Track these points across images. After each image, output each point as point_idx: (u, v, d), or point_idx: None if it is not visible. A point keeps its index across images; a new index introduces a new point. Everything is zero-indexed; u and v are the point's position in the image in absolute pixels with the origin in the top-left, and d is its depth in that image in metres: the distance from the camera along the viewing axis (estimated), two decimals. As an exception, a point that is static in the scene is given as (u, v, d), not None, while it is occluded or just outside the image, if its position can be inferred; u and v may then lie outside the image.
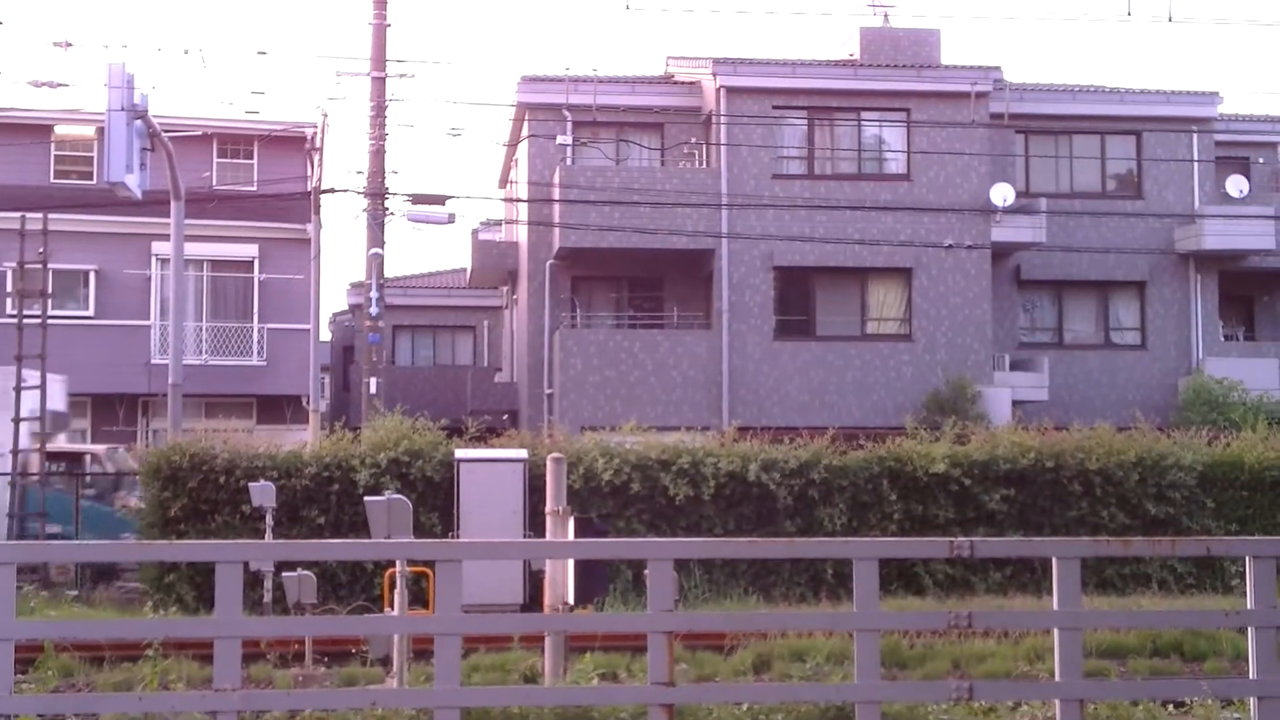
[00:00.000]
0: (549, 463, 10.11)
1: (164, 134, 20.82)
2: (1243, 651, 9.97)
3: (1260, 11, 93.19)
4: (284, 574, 11.18)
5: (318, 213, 25.85)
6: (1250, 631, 7.16)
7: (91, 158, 30.37)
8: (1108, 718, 7.83)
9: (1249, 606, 7.12)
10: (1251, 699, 7.14)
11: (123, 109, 19.20)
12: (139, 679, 8.09)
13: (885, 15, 30.57)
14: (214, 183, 30.79)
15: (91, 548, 8.15)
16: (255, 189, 31.08)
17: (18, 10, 64.60)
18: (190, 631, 7.63)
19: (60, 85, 24.37)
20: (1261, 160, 31.81)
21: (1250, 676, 7.16)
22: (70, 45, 23.71)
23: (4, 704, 6.82)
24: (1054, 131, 29.56)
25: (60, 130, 31.27)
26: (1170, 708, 8.36)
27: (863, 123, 28.36)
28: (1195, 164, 29.47)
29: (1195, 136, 29.55)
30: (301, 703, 7.46)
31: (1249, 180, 30.41)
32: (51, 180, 30.68)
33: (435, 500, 16.59)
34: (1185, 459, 17.94)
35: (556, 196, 27.24)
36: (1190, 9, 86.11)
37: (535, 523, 15.53)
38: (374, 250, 25.91)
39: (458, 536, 15.39)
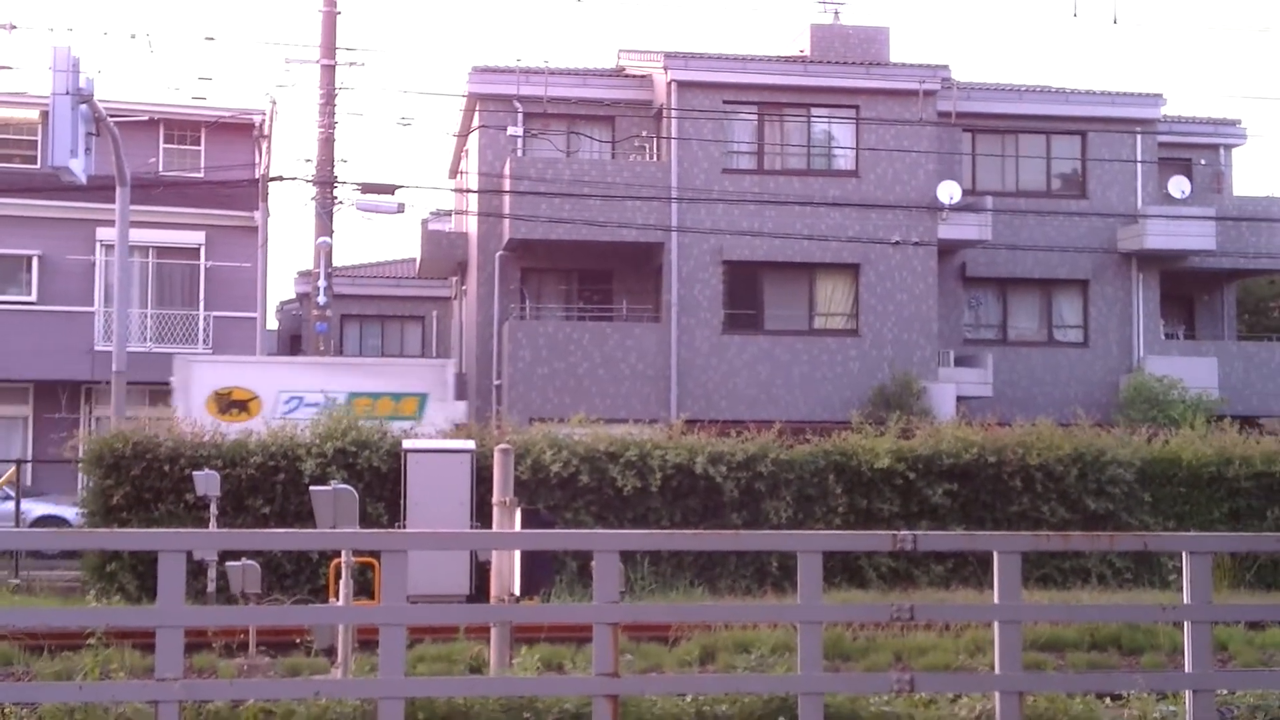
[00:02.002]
0: (496, 454, 10.11)
1: (110, 119, 20.58)
2: (1179, 645, 10.14)
3: (1203, 15, 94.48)
4: (228, 563, 11.11)
5: (265, 200, 25.67)
6: (1186, 626, 7.29)
7: (35, 141, 29.94)
8: (1046, 710, 7.94)
9: (1185, 601, 7.26)
10: (1187, 692, 7.28)
11: (68, 93, 18.95)
12: (80, 668, 8.03)
13: (836, 13, 30.77)
14: (160, 169, 30.44)
15: (32, 536, 8.07)
16: (202, 176, 30.77)
17: (-41, -10, 63.49)
18: (132, 621, 7.59)
19: (4, 68, 24.11)
20: (1203, 162, 32.27)
21: (1186, 670, 7.30)
22: (14, 27, 23.40)
23: (-58, 693, 6.76)
24: (1000, 130, 29.84)
25: (3, 113, 30.81)
26: (1108, 700, 8.49)
27: (812, 119, 28.51)
28: (1138, 165, 29.87)
29: (1139, 138, 29.94)
30: (244, 692, 7.44)
31: (1191, 181, 30.85)
32: (-6, 163, 30.24)
33: (382, 491, 16.53)
34: (1124, 455, 18.19)
35: (507, 187, 27.18)
36: (1135, 12, 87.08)
37: (483, 513, 15.51)
38: (322, 239, 25.77)
39: (404, 527, 15.35)
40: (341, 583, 9.17)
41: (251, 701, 7.42)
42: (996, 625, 7.44)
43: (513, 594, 9.24)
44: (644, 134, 28.59)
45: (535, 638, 10.91)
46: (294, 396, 20.13)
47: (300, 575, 15.97)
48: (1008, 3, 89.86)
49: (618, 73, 29.96)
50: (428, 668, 9.88)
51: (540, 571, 9.65)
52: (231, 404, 19.59)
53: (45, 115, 22.51)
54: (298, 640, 11.51)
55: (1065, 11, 58.69)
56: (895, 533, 7.61)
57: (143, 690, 7.01)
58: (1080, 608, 8.50)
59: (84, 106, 19.48)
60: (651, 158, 28.29)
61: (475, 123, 29.26)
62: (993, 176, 29.83)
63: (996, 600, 7.41)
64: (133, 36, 35.66)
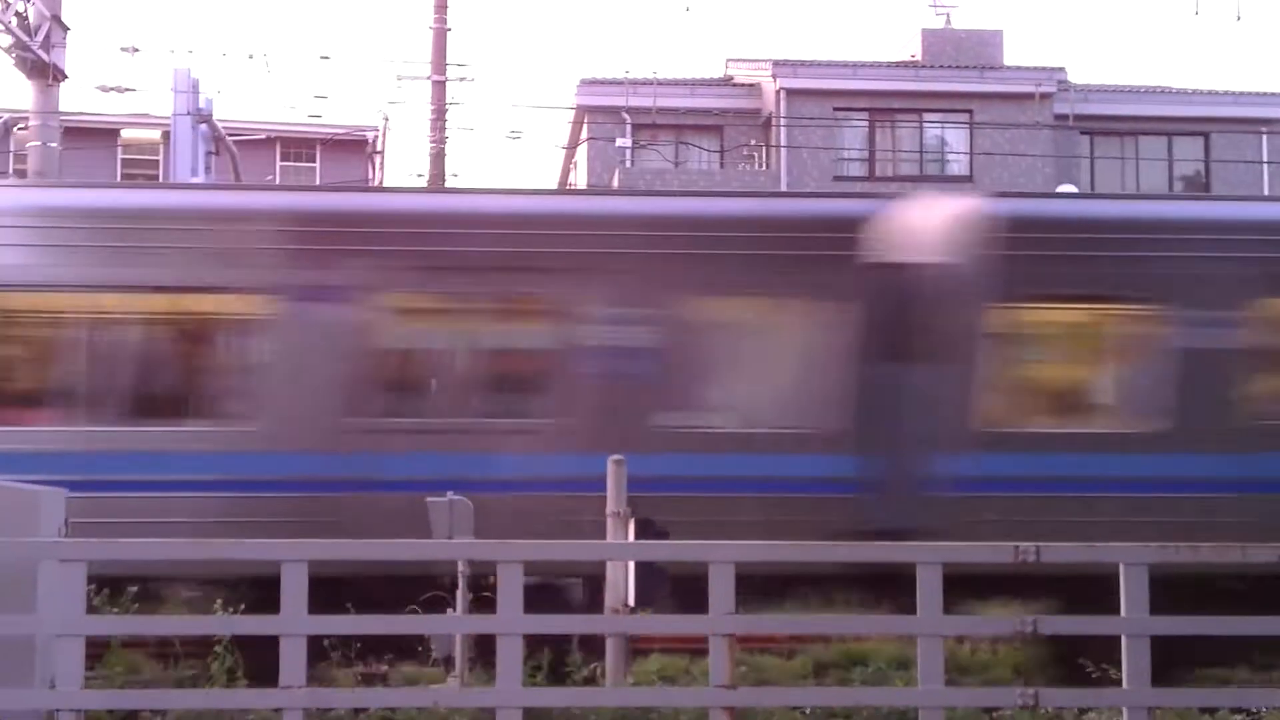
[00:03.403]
0: (609, 465, 10.08)
1: (228, 138, 21.10)
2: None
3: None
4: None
5: (379, 215, 26.01)
6: (1326, 640, 7.04)
7: (158, 161, 30.74)
8: (1176, 725, 7.72)
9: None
10: (1327, 709, 7.02)
11: (188, 113, 19.48)
12: (207, 676, 8.19)
13: (947, 16, 30.41)
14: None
15: (159, 546, 8.24)
16: (318, 192, 31.32)
17: (86, 16, 65.68)
18: (256, 629, 7.70)
19: (127, 90, 24.76)
20: (1332, 161, 31.24)
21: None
22: (137, 50, 24.04)
23: (75, 699, 6.92)
24: (1119, 133, 29.18)
25: (127, 134, 31.68)
26: (1242, 716, 8.21)
27: (925, 124, 28.19)
28: (1264, 165, 29.00)
29: (1264, 138, 29.08)
30: (366, 701, 7.52)
31: (1320, 182, 29.88)
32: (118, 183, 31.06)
33: (495, 501, 16.59)
34: None
35: (616, 199, 27.24)
36: (1259, 8, 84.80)
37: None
38: (435, 252, 25.95)
39: (518, 537, 15.39)
40: (458, 593, 9.22)
41: (372, 709, 7.50)
42: (1125, 639, 7.24)
43: (627, 605, 9.21)
44: (753, 143, 28.49)
45: (651, 649, 10.86)
46: None
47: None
48: (1126, 2, 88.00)
49: (726, 82, 29.90)
50: (543, 678, 9.90)
51: (654, 583, 9.60)
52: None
53: (167, 135, 23.13)
54: (400, 651, 11.56)
55: (1186, 9, 57.37)
56: (1017, 544, 7.46)
57: (268, 698, 7.11)
58: (1210, 620, 8.22)
59: (204, 126, 20.00)
60: (761, 167, 28.18)
61: (584, 135, 29.41)
62: (1112, 180, 29.13)
63: (1124, 614, 7.22)
64: (250, 57, 36.53)
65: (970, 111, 27.83)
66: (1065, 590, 9.47)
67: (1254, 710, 8.11)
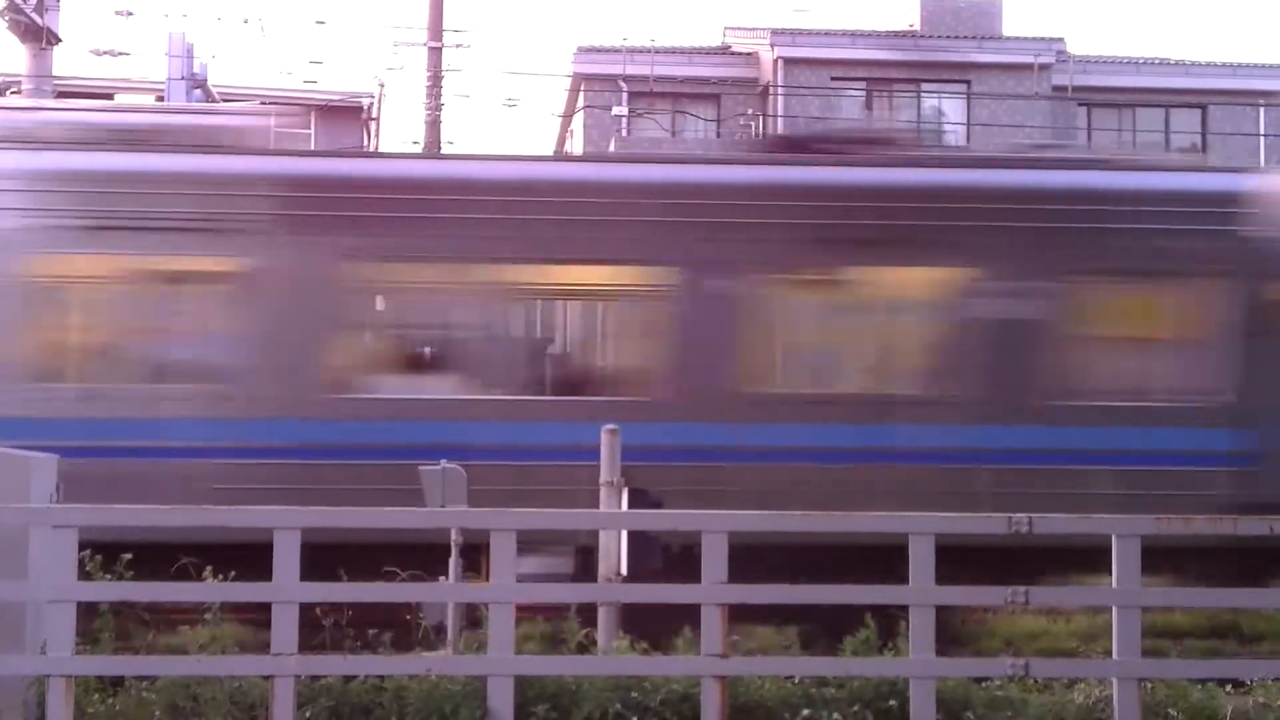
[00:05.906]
0: (603, 434, 10.08)
1: (223, 103, 20.95)
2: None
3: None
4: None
5: (374, 182, 25.89)
6: (1315, 613, 7.06)
7: (152, 126, 30.53)
8: (1165, 697, 7.73)
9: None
10: (1316, 681, 7.03)
11: (183, 78, 19.39)
12: (196, 642, 8.17)
13: (946, -14, 30.27)
14: (272, 152, 30.89)
15: (152, 513, 8.23)
16: (313, 159, 31.14)
17: (80, -20, 65.28)
18: (248, 596, 7.71)
19: (121, 54, 24.59)
20: (1331, 134, 31.16)
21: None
22: (131, 14, 23.92)
23: (66, 665, 6.92)
24: (1117, 104, 29.09)
25: (121, 99, 31.48)
26: (1228, 688, 8.23)
27: (922, 94, 28.10)
28: (1262, 138, 28.93)
29: (1262, 110, 29.01)
30: (357, 668, 7.51)
31: (1317, 154, 29.82)
32: (113, 149, 30.89)
33: (489, 470, 16.60)
34: None
35: (612, 167, 27.15)
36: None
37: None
38: (430, 220, 25.85)
39: (511, 506, 15.39)
40: (450, 561, 9.21)
41: (363, 677, 7.49)
42: (1115, 611, 7.26)
43: (620, 574, 9.21)
44: (750, 112, 28.37)
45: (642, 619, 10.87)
46: None
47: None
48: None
49: (723, 50, 29.78)
50: (536, 646, 9.90)
51: (648, 553, 9.60)
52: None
53: (161, 100, 22.98)
54: (407, 617, 11.57)
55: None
56: (1010, 515, 7.48)
57: (259, 664, 7.12)
58: (1202, 592, 8.26)
59: (198, 91, 19.89)
60: (758, 136, 28.08)
61: (580, 103, 29.29)
62: (1109, 151, 29.11)
63: (1115, 585, 7.25)
64: (245, 22, 36.46)
65: (968, 82, 27.74)
66: None
67: (1243, 681, 8.14)
